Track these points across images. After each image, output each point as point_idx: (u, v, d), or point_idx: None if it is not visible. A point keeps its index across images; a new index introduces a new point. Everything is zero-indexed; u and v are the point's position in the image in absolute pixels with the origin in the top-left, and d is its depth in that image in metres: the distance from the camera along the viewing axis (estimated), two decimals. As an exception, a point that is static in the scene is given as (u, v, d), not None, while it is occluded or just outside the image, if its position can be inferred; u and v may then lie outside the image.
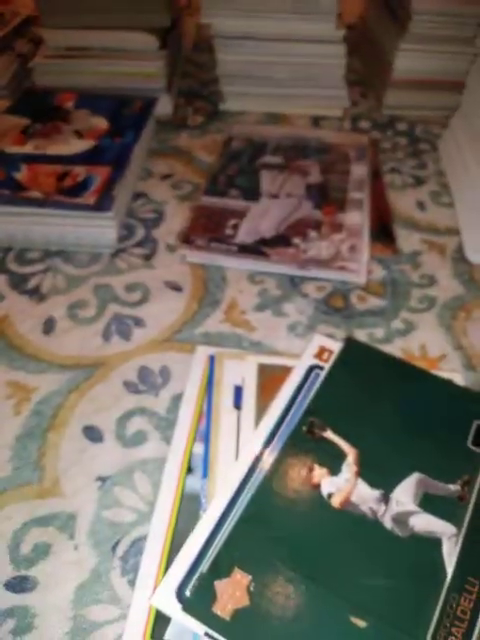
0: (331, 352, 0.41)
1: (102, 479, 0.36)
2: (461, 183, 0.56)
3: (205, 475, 0.35)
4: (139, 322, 0.45)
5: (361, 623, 0.29)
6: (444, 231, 0.53)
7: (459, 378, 0.40)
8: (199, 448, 0.36)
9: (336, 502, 0.32)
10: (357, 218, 0.52)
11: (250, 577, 0.29)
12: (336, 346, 0.41)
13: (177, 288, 0.48)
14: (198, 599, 0.29)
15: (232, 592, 0.29)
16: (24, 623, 0.30)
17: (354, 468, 0.34)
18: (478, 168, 0.54)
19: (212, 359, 0.41)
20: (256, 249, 0.49)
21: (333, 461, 0.34)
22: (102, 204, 0.49)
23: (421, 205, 0.56)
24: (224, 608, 0.29)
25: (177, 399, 0.39)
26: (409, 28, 0.62)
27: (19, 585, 0.31)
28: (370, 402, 0.38)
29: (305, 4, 0.61)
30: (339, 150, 0.60)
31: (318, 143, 0.61)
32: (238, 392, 0.39)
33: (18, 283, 0.48)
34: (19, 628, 0.30)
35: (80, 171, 0.52)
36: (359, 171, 0.57)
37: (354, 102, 0.70)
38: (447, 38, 0.63)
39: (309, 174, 0.57)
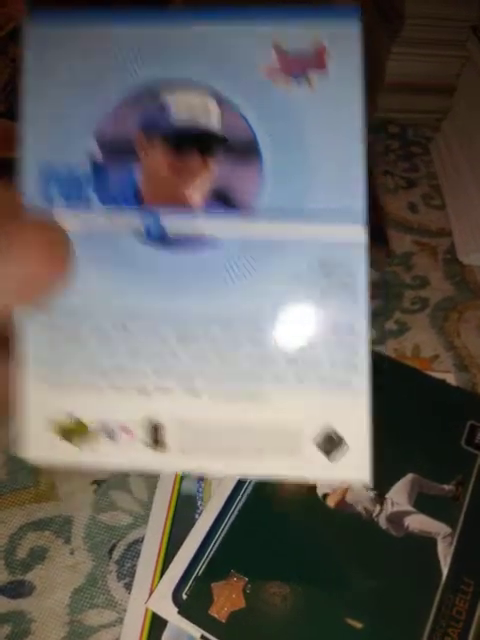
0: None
1: (98, 482, 0.36)
2: (453, 185, 0.56)
3: (201, 477, 0.35)
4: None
5: (357, 624, 0.29)
6: (436, 233, 0.53)
7: (452, 378, 0.40)
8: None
9: (331, 503, 0.33)
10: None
11: (246, 579, 0.30)
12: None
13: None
14: (194, 602, 0.29)
15: (228, 594, 0.29)
16: (20, 629, 0.30)
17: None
18: (470, 170, 0.54)
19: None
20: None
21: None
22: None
23: (413, 207, 0.56)
24: (220, 611, 0.29)
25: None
26: (402, 32, 0.62)
27: (15, 590, 0.31)
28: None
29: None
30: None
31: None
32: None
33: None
34: (15, 634, 0.30)
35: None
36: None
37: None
38: (439, 42, 0.63)
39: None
